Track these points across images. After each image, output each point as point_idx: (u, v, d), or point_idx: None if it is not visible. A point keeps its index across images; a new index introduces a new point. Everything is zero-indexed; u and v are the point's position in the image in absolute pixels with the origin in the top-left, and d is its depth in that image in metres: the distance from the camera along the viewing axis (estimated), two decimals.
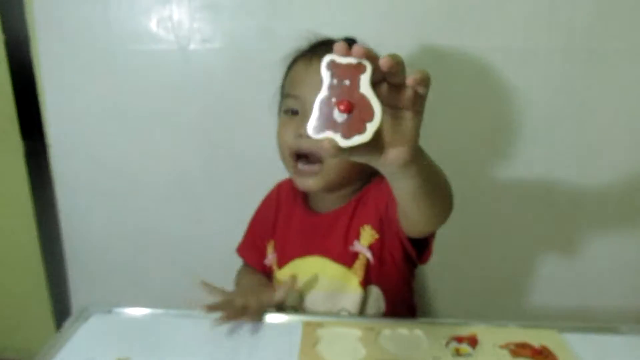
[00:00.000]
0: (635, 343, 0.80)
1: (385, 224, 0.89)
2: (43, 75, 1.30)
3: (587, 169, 1.28)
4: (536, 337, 0.79)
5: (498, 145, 1.26)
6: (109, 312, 0.86)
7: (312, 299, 0.93)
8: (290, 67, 0.92)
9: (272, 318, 0.85)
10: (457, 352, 0.75)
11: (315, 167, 0.85)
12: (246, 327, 0.83)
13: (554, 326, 0.82)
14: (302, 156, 0.87)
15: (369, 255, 0.91)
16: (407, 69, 0.50)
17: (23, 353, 1.57)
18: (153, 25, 1.23)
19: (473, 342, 0.78)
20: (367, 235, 0.91)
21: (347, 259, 0.92)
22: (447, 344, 0.77)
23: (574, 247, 1.34)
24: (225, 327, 0.82)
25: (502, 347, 0.77)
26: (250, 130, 1.29)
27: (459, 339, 0.78)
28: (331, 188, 0.89)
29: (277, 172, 1.26)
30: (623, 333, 0.82)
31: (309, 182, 0.87)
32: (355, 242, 0.91)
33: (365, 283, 0.91)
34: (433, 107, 0.73)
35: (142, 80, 1.27)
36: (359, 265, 0.91)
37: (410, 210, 0.70)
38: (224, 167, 1.32)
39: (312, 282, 0.93)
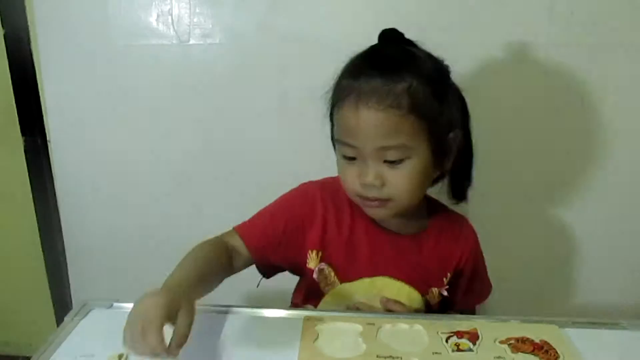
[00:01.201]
0: (636, 338, 0.80)
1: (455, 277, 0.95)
2: (43, 70, 1.30)
3: (588, 164, 1.28)
4: (537, 332, 0.78)
5: (502, 140, 1.26)
6: (109, 307, 0.85)
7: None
8: (336, 97, 0.83)
9: (273, 313, 0.85)
10: (458, 347, 0.75)
11: (382, 204, 0.84)
12: (246, 322, 0.83)
13: (555, 321, 0.82)
14: None
15: (445, 293, 0.94)
16: None
17: (24, 348, 1.58)
18: (153, 20, 1.23)
19: (474, 337, 0.77)
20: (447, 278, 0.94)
21: (422, 287, 0.93)
22: (448, 339, 0.77)
23: (574, 243, 1.34)
24: (225, 322, 0.82)
25: (502, 342, 0.77)
26: (251, 125, 1.29)
27: (460, 334, 0.78)
28: (401, 215, 0.87)
29: (278, 167, 1.27)
30: (623, 328, 0.82)
31: (379, 213, 0.86)
32: (444, 281, 0.94)
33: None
34: None
35: (142, 75, 1.27)
36: (430, 296, 0.94)
37: None
38: (224, 163, 1.32)
39: (375, 301, 0.91)
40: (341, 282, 0.91)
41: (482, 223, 1.31)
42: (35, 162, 1.43)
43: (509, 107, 1.23)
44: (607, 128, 1.24)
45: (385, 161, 0.79)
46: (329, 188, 0.92)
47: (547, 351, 0.75)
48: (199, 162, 1.33)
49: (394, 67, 0.78)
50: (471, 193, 1.19)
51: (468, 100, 0.87)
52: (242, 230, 0.92)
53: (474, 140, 0.89)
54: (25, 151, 1.42)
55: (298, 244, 0.91)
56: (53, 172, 1.41)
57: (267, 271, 0.95)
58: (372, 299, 0.90)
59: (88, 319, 0.82)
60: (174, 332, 0.66)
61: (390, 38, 0.84)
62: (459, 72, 0.84)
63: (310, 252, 0.91)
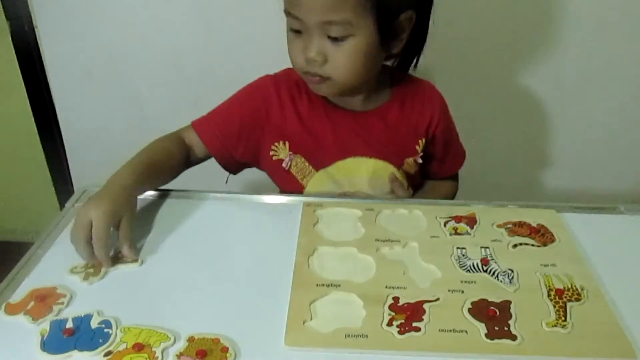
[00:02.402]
0: (633, 222, 0.81)
1: (428, 144, 0.95)
2: None
3: (595, 53, 1.24)
4: (534, 217, 0.79)
5: (503, 28, 1.21)
6: None
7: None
8: None
9: (272, 199, 0.85)
10: (456, 231, 0.76)
11: (322, 81, 0.83)
12: (246, 208, 0.83)
13: (553, 206, 0.82)
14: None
15: (420, 161, 0.95)
16: None
17: (30, 235, 1.62)
18: None
19: (471, 221, 0.78)
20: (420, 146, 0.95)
21: (396, 160, 0.94)
22: (446, 223, 0.78)
23: (575, 129, 1.33)
24: (225, 208, 0.83)
25: (499, 226, 0.78)
26: (250, 15, 1.23)
27: (458, 219, 0.79)
28: (346, 93, 0.88)
29: (278, 56, 1.22)
30: (621, 212, 0.83)
31: (321, 90, 0.86)
32: (417, 150, 0.94)
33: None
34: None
35: None
36: (406, 167, 0.95)
37: None
38: (222, 49, 1.28)
39: (358, 182, 0.93)
40: (317, 170, 0.92)
41: (485, 107, 1.30)
42: (24, 50, 1.37)
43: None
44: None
45: (329, 37, 0.78)
46: (284, 78, 0.93)
47: (543, 234, 0.76)
48: (197, 49, 1.28)
49: None
50: (478, 77, 1.16)
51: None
52: (199, 125, 0.93)
53: (431, 22, 0.87)
54: (12, 38, 1.36)
55: (257, 136, 0.92)
56: (44, 60, 1.36)
57: (231, 167, 0.96)
58: (355, 183, 0.92)
59: None
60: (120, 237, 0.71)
61: None
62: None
63: (276, 143, 0.92)
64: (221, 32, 1.26)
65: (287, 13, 0.80)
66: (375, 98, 0.92)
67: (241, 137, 0.92)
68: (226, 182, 0.98)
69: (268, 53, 1.22)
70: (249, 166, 0.97)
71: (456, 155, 1.03)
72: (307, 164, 0.92)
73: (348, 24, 0.76)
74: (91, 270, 0.68)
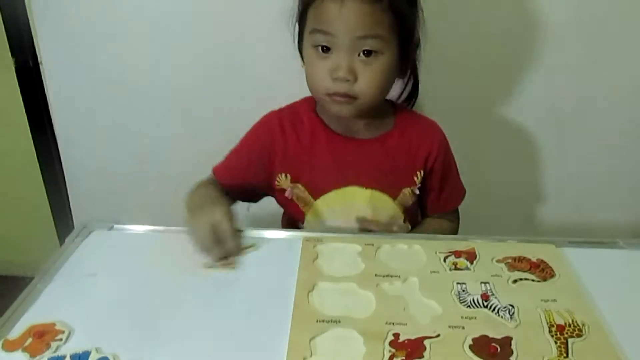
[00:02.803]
0: (633, 257, 0.81)
1: (427, 178, 0.97)
2: None
3: (590, 86, 1.25)
4: (534, 252, 0.79)
5: (501, 59, 1.23)
6: (110, 228, 0.86)
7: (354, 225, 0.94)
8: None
9: (272, 234, 0.85)
10: (455, 266, 0.76)
11: (349, 98, 0.86)
12: (246, 242, 0.83)
13: (552, 241, 0.82)
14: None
15: (417, 192, 0.97)
16: None
17: (29, 268, 1.61)
18: None
19: (471, 256, 0.78)
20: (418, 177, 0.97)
21: (393, 190, 0.96)
22: (446, 258, 0.78)
23: (574, 164, 1.34)
24: None
25: (499, 261, 0.77)
26: (252, 48, 1.24)
27: (458, 254, 0.79)
28: (363, 114, 0.90)
29: (276, 86, 1.24)
30: (620, 247, 0.83)
31: (343, 110, 0.87)
32: (415, 181, 0.96)
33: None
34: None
35: None
36: (403, 198, 0.96)
37: None
38: (223, 83, 1.29)
39: (355, 213, 0.94)
40: (315, 199, 0.95)
41: (484, 139, 1.31)
42: (29, 85, 1.39)
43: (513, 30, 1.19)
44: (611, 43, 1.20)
45: (360, 54, 0.82)
46: (287, 112, 0.97)
47: (543, 269, 0.76)
48: (199, 84, 1.30)
49: None
50: (475, 108, 1.18)
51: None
52: (217, 172, 0.99)
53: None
54: (17, 73, 1.38)
55: (267, 171, 0.96)
56: (47, 95, 1.38)
57: (252, 199, 1.01)
58: (352, 213, 0.94)
59: (89, 240, 0.83)
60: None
61: None
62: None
63: (279, 175, 0.96)
64: (222, 68, 1.28)
65: (317, 31, 0.83)
66: (377, 126, 0.95)
67: (251, 175, 0.97)
68: (248, 210, 1.01)
69: (268, 89, 1.25)
70: (268, 195, 1.01)
71: (454, 191, 1.04)
72: (306, 193, 0.95)
73: (381, 39, 0.82)
74: (225, 260, 0.77)
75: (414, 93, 1.00)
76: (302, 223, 0.98)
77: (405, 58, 0.89)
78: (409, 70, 0.94)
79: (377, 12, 0.80)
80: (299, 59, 0.93)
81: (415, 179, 0.96)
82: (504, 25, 1.19)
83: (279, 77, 1.23)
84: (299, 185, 0.95)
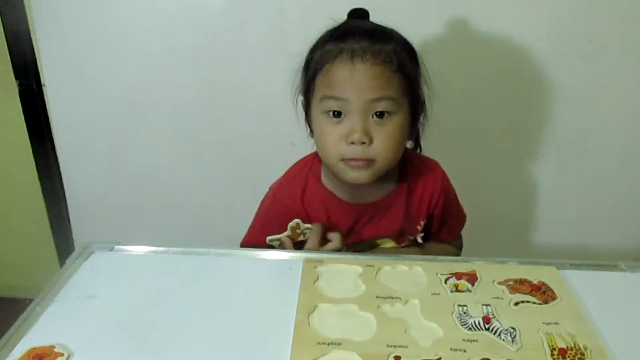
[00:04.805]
0: (634, 280, 0.80)
1: (428, 220, 0.99)
2: (35, 17, 1.26)
3: (591, 110, 1.26)
4: (535, 274, 0.79)
5: (502, 85, 1.24)
6: (111, 249, 0.86)
7: None
8: (322, 62, 0.85)
9: (273, 255, 0.85)
10: (457, 288, 0.76)
11: (366, 162, 0.85)
12: (246, 264, 0.83)
13: (553, 263, 0.82)
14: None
15: (420, 241, 0.99)
16: None
17: (29, 291, 1.61)
18: None
19: (472, 278, 0.78)
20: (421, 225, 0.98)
21: (399, 239, 0.98)
22: (447, 280, 0.77)
23: (575, 187, 1.34)
24: (225, 265, 0.83)
25: (500, 283, 0.77)
26: (250, 69, 1.26)
27: (459, 276, 0.78)
28: (380, 177, 0.89)
29: (276, 110, 1.25)
30: (621, 270, 0.83)
31: (361, 176, 0.86)
32: (418, 229, 0.97)
33: None
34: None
35: (141, 16, 1.23)
36: (407, 243, 0.99)
37: None
38: (224, 106, 1.30)
39: None
40: None
41: (484, 162, 1.32)
42: (31, 107, 1.40)
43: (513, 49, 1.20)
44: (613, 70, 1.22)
45: (373, 115, 0.82)
46: (296, 183, 0.96)
47: (544, 292, 0.75)
48: (198, 105, 1.31)
49: (378, 31, 0.84)
50: (474, 131, 1.19)
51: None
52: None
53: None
54: (21, 96, 1.39)
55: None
56: (50, 116, 1.39)
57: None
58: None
59: (90, 262, 0.83)
60: None
61: (361, 16, 0.89)
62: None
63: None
64: (223, 89, 1.29)
65: (328, 97, 0.83)
66: (383, 188, 0.95)
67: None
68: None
69: (270, 108, 1.26)
70: None
71: (455, 223, 1.05)
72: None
73: (393, 100, 0.82)
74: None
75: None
76: None
77: (415, 114, 0.89)
78: (419, 124, 0.93)
79: (387, 74, 0.81)
80: (305, 129, 0.94)
81: (419, 227, 0.98)
82: (503, 52, 1.20)
83: (280, 99, 1.24)
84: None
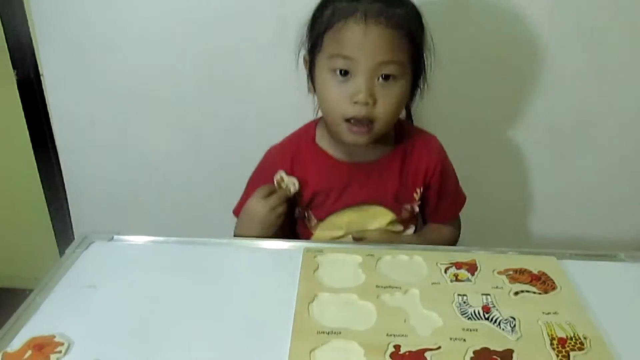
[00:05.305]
0: (634, 270, 0.80)
1: (424, 192, 0.99)
2: (32, 5, 1.25)
3: (592, 101, 1.26)
4: (535, 264, 0.79)
5: (502, 75, 1.24)
6: (110, 239, 0.86)
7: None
8: (333, 20, 0.85)
9: (273, 244, 0.85)
10: (456, 278, 0.76)
11: (367, 128, 0.87)
12: (246, 254, 0.83)
13: (553, 253, 0.82)
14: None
15: (417, 209, 1.00)
16: None
17: (29, 282, 1.61)
18: None
19: (472, 268, 0.78)
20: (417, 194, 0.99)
21: (396, 207, 0.98)
22: (447, 269, 0.78)
23: (575, 177, 1.34)
24: (226, 254, 0.83)
25: (500, 273, 0.77)
26: (250, 59, 1.25)
27: (458, 265, 0.79)
28: (378, 139, 0.91)
29: (276, 101, 1.25)
30: (621, 260, 0.83)
31: (361, 140, 0.88)
32: (415, 197, 0.98)
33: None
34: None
35: (140, 6, 1.22)
36: (404, 214, 0.99)
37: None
38: (223, 96, 1.30)
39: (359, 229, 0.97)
40: (321, 220, 0.98)
41: (484, 152, 1.31)
42: (29, 97, 1.40)
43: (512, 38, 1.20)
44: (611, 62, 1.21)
45: (379, 78, 0.84)
46: (287, 145, 1.00)
47: (544, 282, 0.75)
48: (198, 95, 1.30)
49: None
50: (474, 122, 1.18)
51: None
52: (238, 213, 0.99)
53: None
54: (18, 86, 1.39)
55: None
56: (48, 106, 1.38)
57: None
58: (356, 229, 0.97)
59: (89, 252, 0.83)
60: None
61: None
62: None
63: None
64: (222, 80, 1.28)
65: (337, 55, 0.84)
66: (378, 148, 0.96)
67: None
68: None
69: (272, 101, 1.25)
70: None
71: (453, 202, 1.05)
72: (312, 215, 0.98)
73: (401, 65, 0.84)
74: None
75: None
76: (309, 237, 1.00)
77: (416, 84, 0.91)
78: (417, 91, 0.94)
79: (398, 39, 0.82)
80: (305, 84, 0.94)
81: (415, 195, 0.98)
82: (504, 39, 1.20)
83: (280, 90, 1.24)
84: (306, 208, 0.98)
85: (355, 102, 0.84)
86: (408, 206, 0.98)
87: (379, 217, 0.97)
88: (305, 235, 1.01)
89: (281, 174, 0.94)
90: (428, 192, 0.99)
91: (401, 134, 0.98)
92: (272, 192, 0.92)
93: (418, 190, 0.98)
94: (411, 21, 0.85)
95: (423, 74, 0.91)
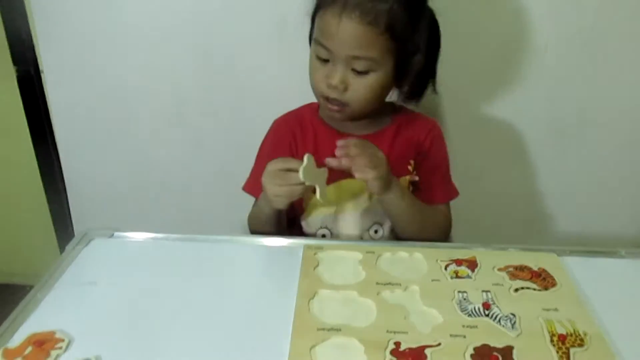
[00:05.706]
0: (634, 266, 0.80)
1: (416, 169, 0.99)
2: (32, 1, 1.24)
3: (592, 97, 1.26)
4: (535, 260, 0.79)
5: (503, 70, 1.23)
6: (110, 236, 0.86)
7: (348, 217, 0.97)
8: (319, 5, 0.88)
9: (273, 241, 0.85)
10: (457, 274, 0.76)
11: (340, 108, 0.90)
12: (246, 250, 0.83)
13: (553, 250, 0.82)
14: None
15: (416, 178, 0.99)
16: None
17: (30, 278, 1.61)
18: None
19: (472, 265, 0.78)
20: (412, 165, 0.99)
21: None
22: (447, 266, 0.78)
23: (575, 174, 1.34)
24: (226, 251, 0.83)
25: (501, 269, 0.77)
26: (250, 56, 1.25)
27: (459, 262, 0.79)
28: (355, 119, 0.94)
29: (277, 98, 1.24)
30: (621, 257, 0.83)
31: (336, 116, 0.92)
32: (409, 169, 0.98)
33: None
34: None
35: (140, 2, 1.22)
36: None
37: (397, 229, 0.95)
38: (224, 93, 1.30)
39: (351, 201, 0.97)
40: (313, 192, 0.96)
41: (485, 150, 1.31)
42: (30, 93, 1.40)
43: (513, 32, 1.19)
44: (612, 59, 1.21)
45: (353, 69, 0.85)
46: (292, 117, 1.03)
47: (544, 278, 0.76)
48: (198, 92, 1.30)
49: None
50: (475, 119, 1.18)
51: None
52: (249, 188, 1.00)
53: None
54: (19, 82, 1.39)
55: None
56: (48, 103, 1.38)
57: None
58: (347, 203, 0.97)
59: (90, 248, 0.83)
60: None
61: None
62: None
63: None
64: (222, 77, 1.28)
65: (318, 42, 0.87)
66: (375, 123, 0.98)
67: None
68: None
69: (270, 98, 1.25)
70: None
71: (444, 187, 1.03)
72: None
73: (372, 61, 0.84)
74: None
75: (417, 93, 0.98)
76: (302, 214, 1.00)
77: (403, 73, 0.90)
78: (409, 79, 0.93)
79: (371, 35, 0.82)
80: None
81: (409, 167, 0.99)
82: (505, 36, 1.19)
83: (279, 87, 1.24)
84: None
85: (329, 85, 0.87)
86: (406, 179, 0.99)
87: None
88: (298, 204, 0.99)
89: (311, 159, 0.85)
90: (419, 166, 0.99)
91: (399, 111, 1.00)
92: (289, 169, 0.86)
93: (412, 162, 0.98)
94: (394, 16, 0.82)
95: (411, 61, 0.89)
